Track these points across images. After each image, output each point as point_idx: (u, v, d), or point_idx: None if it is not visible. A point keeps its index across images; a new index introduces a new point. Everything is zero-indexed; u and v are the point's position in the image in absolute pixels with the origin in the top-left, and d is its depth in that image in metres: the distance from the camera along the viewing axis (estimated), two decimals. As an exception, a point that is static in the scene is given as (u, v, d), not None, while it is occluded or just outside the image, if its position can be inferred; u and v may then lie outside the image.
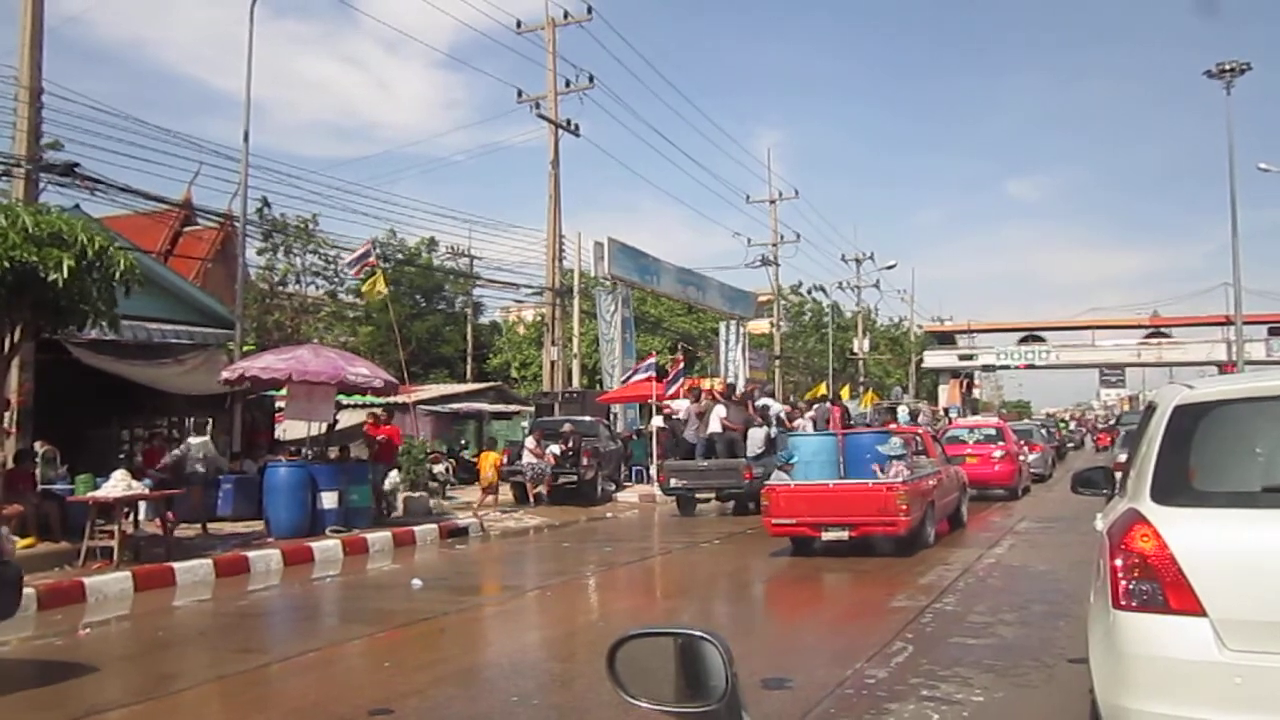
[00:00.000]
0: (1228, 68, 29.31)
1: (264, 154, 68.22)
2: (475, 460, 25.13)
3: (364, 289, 22.11)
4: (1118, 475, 4.81)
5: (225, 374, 14.28)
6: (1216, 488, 3.53)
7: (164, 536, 11.72)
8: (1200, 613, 3.23)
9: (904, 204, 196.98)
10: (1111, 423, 57.47)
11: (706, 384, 23.48)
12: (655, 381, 22.08)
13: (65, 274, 9.43)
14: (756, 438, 17.84)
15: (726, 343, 35.75)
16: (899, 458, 12.10)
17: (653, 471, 20.69)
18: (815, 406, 25.42)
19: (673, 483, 18.07)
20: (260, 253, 30.39)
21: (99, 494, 11.22)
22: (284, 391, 15.87)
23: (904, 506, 11.40)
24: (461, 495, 20.20)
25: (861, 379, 51.82)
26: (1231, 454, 3.68)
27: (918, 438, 14.63)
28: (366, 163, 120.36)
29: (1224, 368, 45.63)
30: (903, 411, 29.12)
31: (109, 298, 10.35)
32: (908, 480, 11.79)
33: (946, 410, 46.17)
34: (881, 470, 12.00)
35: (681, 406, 19.19)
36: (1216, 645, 3.18)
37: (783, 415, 21.46)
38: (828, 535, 11.93)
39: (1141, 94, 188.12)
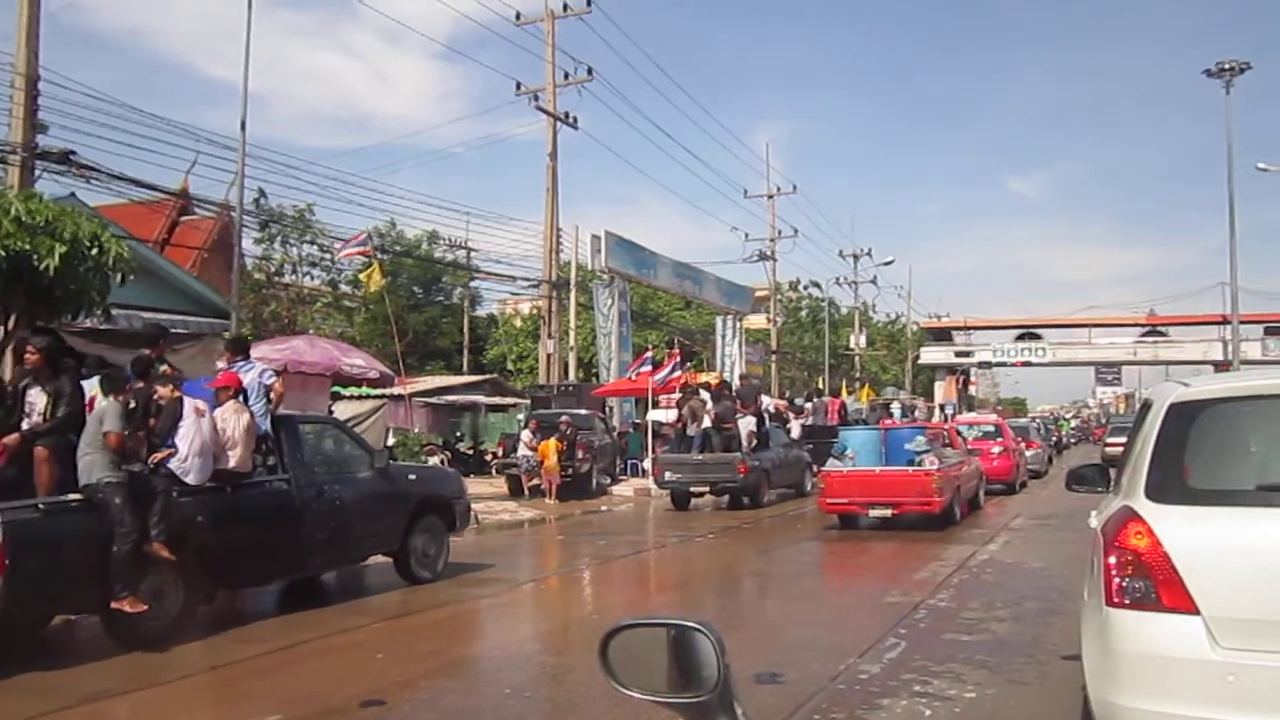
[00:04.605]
0: (1227, 67, 29.27)
1: (261, 144, 68.08)
2: (469, 451, 25.22)
3: (363, 277, 22.03)
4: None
5: (220, 364, 14.24)
6: (1211, 486, 3.53)
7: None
8: (1193, 611, 3.23)
9: (902, 200, 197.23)
10: (1103, 421, 57.83)
11: (704, 378, 23.49)
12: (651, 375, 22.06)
13: (57, 262, 9.40)
14: (744, 431, 17.87)
15: (723, 337, 35.76)
16: (926, 451, 13.90)
17: (648, 465, 20.69)
18: (813, 400, 25.55)
19: (667, 476, 18.09)
20: (257, 243, 30.39)
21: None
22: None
23: (938, 489, 13.39)
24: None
25: (858, 375, 51.84)
26: (1226, 452, 3.68)
27: (944, 433, 16.55)
28: (364, 153, 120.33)
29: (1220, 366, 45.70)
30: (895, 408, 29.28)
31: (102, 287, 10.32)
32: (940, 468, 13.72)
33: (943, 406, 46.20)
34: (919, 459, 13.85)
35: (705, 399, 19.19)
36: (1209, 643, 3.18)
37: (772, 409, 21.58)
38: (874, 513, 13.79)
39: (1141, 92, 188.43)
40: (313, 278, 34.20)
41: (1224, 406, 3.76)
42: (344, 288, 35.21)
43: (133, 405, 7.40)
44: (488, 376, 32.03)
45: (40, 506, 6.75)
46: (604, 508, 18.51)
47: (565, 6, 26.49)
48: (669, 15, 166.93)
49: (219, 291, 18.54)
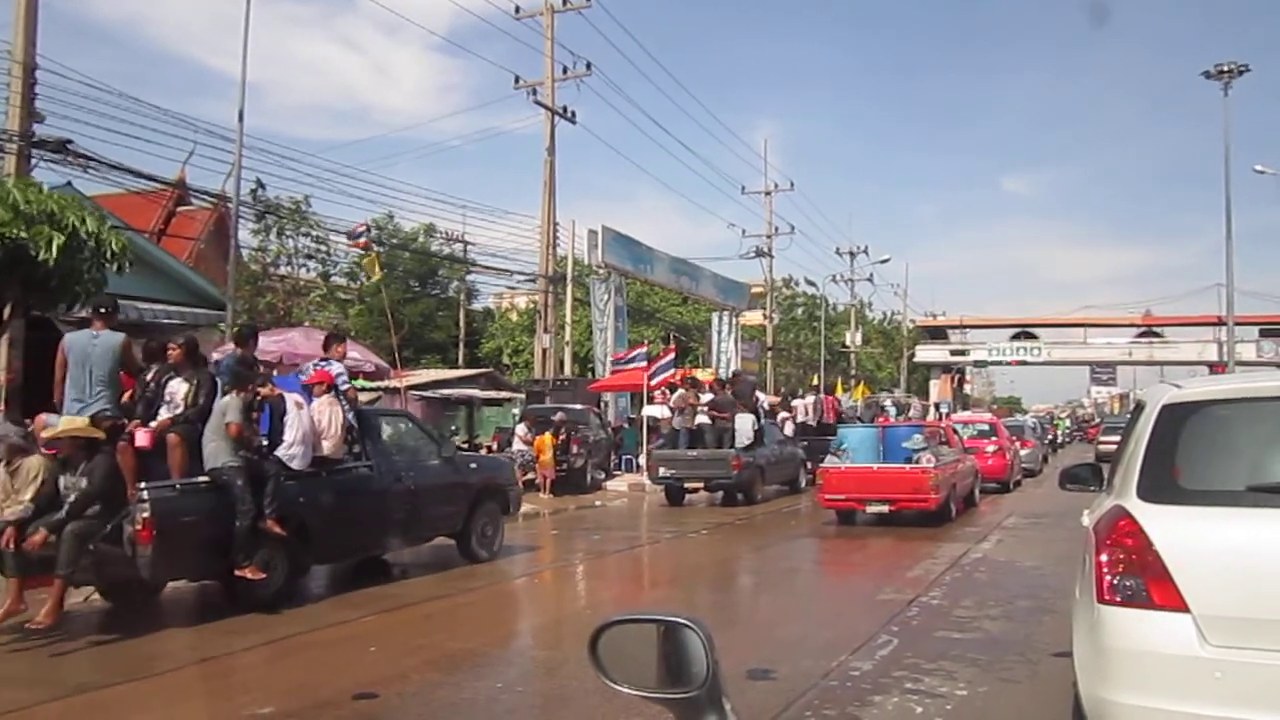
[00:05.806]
0: (1226, 69, 29.33)
1: (259, 135, 67.90)
2: (464, 445, 25.20)
3: (365, 264, 21.95)
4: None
5: (215, 355, 14.22)
6: (1202, 486, 3.56)
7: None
8: (1183, 608, 3.26)
9: (899, 199, 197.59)
10: (1097, 420, 58.06)
11: (700, 374, 23.48)
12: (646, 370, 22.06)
13: (55, 253, 9.41)
14: (745, 429, 17.88)
15: (719, 333, 35.73)
16: (923, 449, 14.05)
17: (642, 461, 20.69)
18: (812, 398, 25.62)
19: (662, 472, 18.09)
20: (253, 234, 30.26)
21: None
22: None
23: (935, 486, 13.66)
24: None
25: (853, 372, 51.85)
26: (1218, 453, 3.70)
27: (941, 431, 16.68)
28: (361, 146, 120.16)
29: (1214, 368, 45.77)
30: (889, 404, 29.38)
31: (99, 277, 10.33)
32: (936, 465, 13.91)
33: (938, 405, 46.24)
34: (916, 457, 13.96)
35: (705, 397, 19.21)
36: (1198, 641, 3.21)
37: (767, 405, 21.64)
38: (871, 509, 14.02)
39: (1138, 93, 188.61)
40: (308, 270, 34.05)
41: (1216, 408, 3.79)
42: (338, 279, 35.05)
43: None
44: (483, 370, 31.94)
45: (177, 487, 7.78)
46: (598, 503, 18.52)
47: (565, 0, 26.44)
48: (668, 11, 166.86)
49: (215, 282, 18.52)
